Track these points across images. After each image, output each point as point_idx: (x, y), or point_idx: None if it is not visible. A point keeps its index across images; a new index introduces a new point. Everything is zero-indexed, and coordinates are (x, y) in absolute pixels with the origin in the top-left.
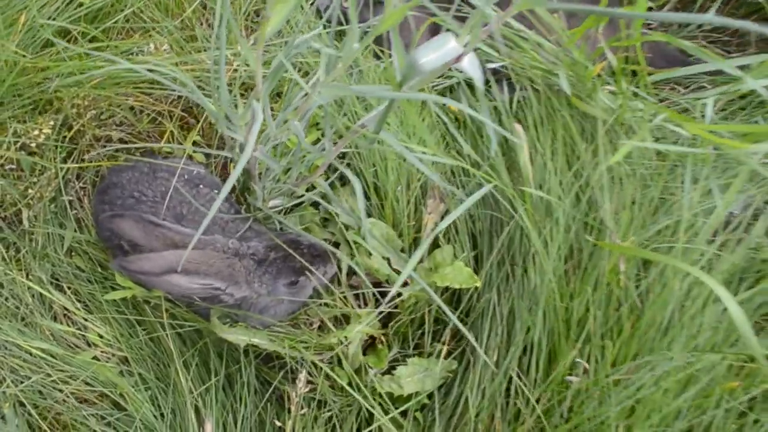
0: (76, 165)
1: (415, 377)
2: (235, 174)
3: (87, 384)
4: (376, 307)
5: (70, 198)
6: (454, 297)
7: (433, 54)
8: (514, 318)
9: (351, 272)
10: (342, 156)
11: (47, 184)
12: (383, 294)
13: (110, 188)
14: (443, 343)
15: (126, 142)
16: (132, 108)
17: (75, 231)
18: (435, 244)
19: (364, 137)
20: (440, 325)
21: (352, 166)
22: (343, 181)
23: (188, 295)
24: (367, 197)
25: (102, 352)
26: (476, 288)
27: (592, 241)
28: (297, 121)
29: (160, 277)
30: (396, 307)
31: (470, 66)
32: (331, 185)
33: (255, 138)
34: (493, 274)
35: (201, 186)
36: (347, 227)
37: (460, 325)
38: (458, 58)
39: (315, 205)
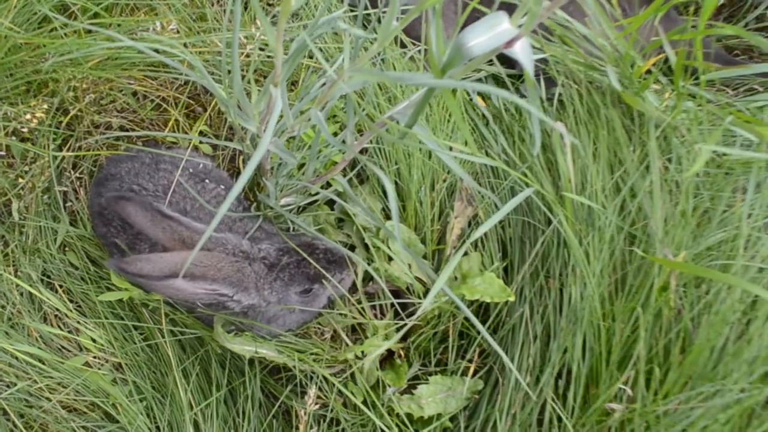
0: (72, 153)
1: (437, 397)
2: (250, 167)
3: (77, 392)
4: (395, 318)
5: (65, 189)
6: (480, 310)
7: (484, 36)
8: (550, 337)
9: (367, 278)
10: (361, 153)
11: (40, 173)
12: (403, 305)
13: (108, 180)
14: (469, 361)
15: (127, 130)
16: (135, 93)
17: (69, 225)
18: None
19: (391, 131)
20: (465, 341)
21: (371, 163)
22: (361, 178)
23: (191, 301)
24: (387, 197)
25: (94, 357)
26: (506, 302)
27: (640, 254)
28: (318, 111)
29: (161, 281)
30: (416, 319)
31: (522, 52)
32: (348, 183)
33: (273, 128)
34: (525, 287)
35: (207, 181)
36: (365, 229)
37: (493, 343)
38: (510, 43)
39: (329, 204)
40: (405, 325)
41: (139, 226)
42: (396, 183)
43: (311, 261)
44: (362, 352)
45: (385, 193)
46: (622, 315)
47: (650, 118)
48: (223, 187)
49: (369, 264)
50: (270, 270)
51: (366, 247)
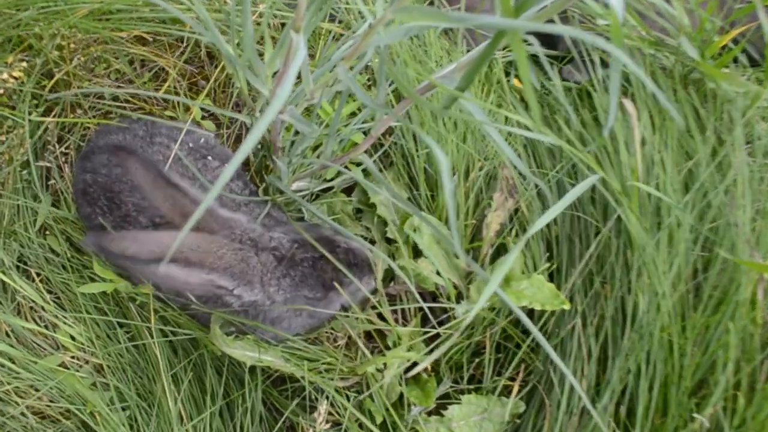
0: (54, 120)
1: (471, 420)
2: (259, 129)
3: (50, 397)
4: (423, 325)
5: (48, 165)
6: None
7: None
8: (608, 353)
9: (387, 278)
10: (385, 133)
11: (19, 144)
12: (431, 310)
13: (95, 153)
14: (510, 379)
15: (121, 101)
16: (131, 61)
17: (51, 206)
18: (499, 251)
19: (433, 100)
20: (502, 354)
21: (398, 146)
22: (384, 163)
23: (182, 293)
24: (415, 186)
25: (72, 357)
26: (554, 311)
27: (724, 256)
28: (348, 69)
29: (148, 265)
30: (455, 328)
31: None
32: (365, 170)
33: (290, 82)
34: (576, 295)
35: (209, 158)
36: (385, 222)
37: (554, 355)
38: None
39: (346, 192)
40: (434, 334)
41: (139, 187)
42: (426, 169)
43: (331, 258)
44: (384, 364)
45: (412, 180)
46: (697, 331)
47: (732, 99)
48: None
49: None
50: (280, 263)
51: (388, 241)
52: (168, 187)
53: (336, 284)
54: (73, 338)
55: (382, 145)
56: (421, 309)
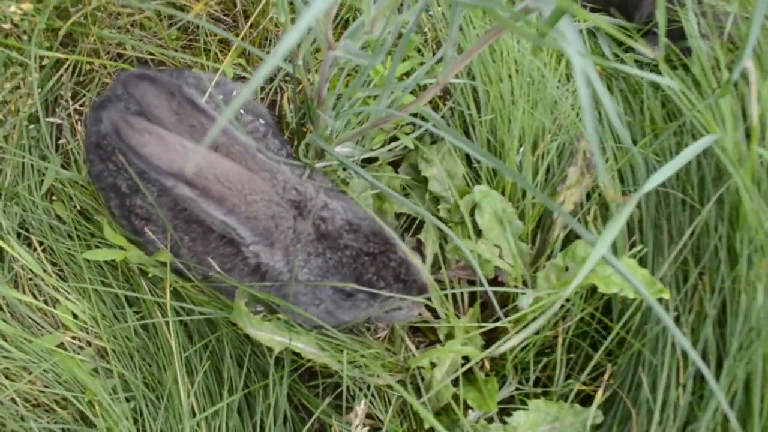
0: (65, 56)
1: (539, 430)
2: (299, 27)
3: (44, 382)
4: (479, 317)
5: (59, 121)
6: (596, 313)
7: None
8: (708, 359)
9: (434, 264)
10: (441, 97)
11: (27, 94)
12: (488, 300)
13: (112, 101)
14: (587, 383)
15: (143, 53)
16: (158, 13)
17: (60, 167)
18: (572, 235)
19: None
20: (575, 354)
21: (455, 112)
22: (434, 137)
23: (200, 220)
24: (474, 158)
25: (73, 338)
26: (638, 304)
27: None
28: None
29: (160, 176)
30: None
31: None
32: (417, 140)
33: None
34: (669, 287)
35: (242, 111)
36: (438, 199)
37: (683, 340)
38: None
39: (394, 165)
40: (491, 329)
41: (159, 119)
42: (489, 140)
43: (380, 261)
44: (434, 360)
45: (468, 154)
46: None
47: None
48: (262, 121)
49: (439, 245)
50: (319, 239)
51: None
52: (196, 114)
53: (371, 290)
54: (75, 316)
55: (436, 110)
56: (476, 299)
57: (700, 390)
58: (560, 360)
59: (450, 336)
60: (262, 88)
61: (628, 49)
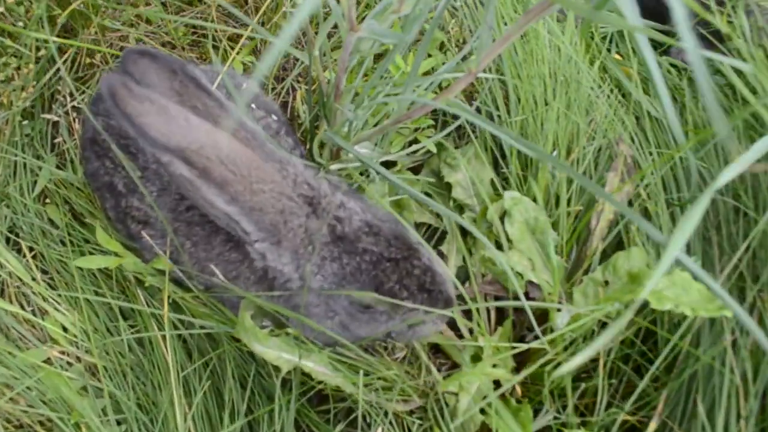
0: (65, 41)
1: None
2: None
3: (27, 400)
4: (510, 336)
5: (56, 119)
6: (639, 334)
7: None
8: None
9: (460, 277)
10: (468, 96)
11: (21, 87)
12: (520, 315)
13: None
14: (634, 413)
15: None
16: (165, 6)
17: (56, 167)
18: (612, 246)
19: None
20: (616, 379)
21: (483, 114)
22: (458, 142)
23: (203, 223)
24: (503, 161)
25: (61, 353)
26: (689, 324)
27: None
28: None
29: (163, 153)
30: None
31: None
32: (440, 144)
33: None
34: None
35: (253, 106)
36: (462, 207)
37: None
38: None
39: (414, 171)
40: (521, 350)
41: (156, 97)
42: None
43: (402, 268)
44: (467, 382)
45: (495, 158)
46: None
47: None
48: (275, 117)
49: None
50: (335, 242)
51: (463, 232)
52: (199, 93)
53: (393, 300)
54: (65, 329)
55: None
56: (507, 316)
57: (762, 421)
58: (602, 386)
59: (476, 358)
60: (273, 88)
61: (663, 53)
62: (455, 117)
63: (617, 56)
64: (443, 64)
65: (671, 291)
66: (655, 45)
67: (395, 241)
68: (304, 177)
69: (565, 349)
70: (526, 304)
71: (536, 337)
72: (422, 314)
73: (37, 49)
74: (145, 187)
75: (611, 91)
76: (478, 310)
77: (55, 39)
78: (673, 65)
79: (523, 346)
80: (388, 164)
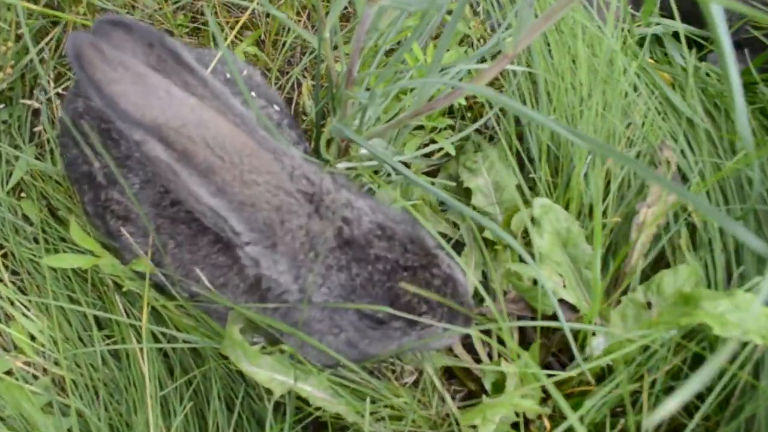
0: (49, 11)
1: None
2: None
3: None
4: (537, 361)
5: (37, 105)
6: (686, 361)
7: None
8: None
9: (477, 296)
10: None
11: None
12: (548, 335)
13: None
14: None
15: None
16: None
17: (35, 158)
18: (657, 261)
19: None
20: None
21: (509, 114)
22: (477, 145)
23: (189, 220)
24: (529, 163)
25: (25, 363)
26: (748, 353)
27: None
28: None
29: (136, 129)
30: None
31: None
32: (458, 147)
33: None
34: None
35: (253, 95)
36: (482, 215)
37: None
38: None
39: (430, 175)
40: (555, 378)
41: (141, 66)
42: (549, 147)
43: (431, 275)
44: (490, 414)
45: (521, 162)
46: None
47: None
48: (277, 108)
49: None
50: (342, 247)
51: (484, 242)
52: (180, 70)
53: (410, 317)
54: (32, 337)
55: (479, 107)
56: (526, 338)
57: None
58: (646, 424)
59: (499, 385)
60: (277, 82)
61: (702, 58)
62: (475, 119)
63: (651, 61)
64: (464, 58)
65: (735, 315)
66: (699, 46)
67: (412, 245)
68: (303, 170)
69: (599, 379)
70: (566, 326)
71: (562, 364)
72: (441, 330)
73: (18, 25)
74: (126, 178)
75: (650, 93)
76: (489, 331)
77: (39, 8)
78: (712, 70)
79: (561, 375)
80: (405, 165)
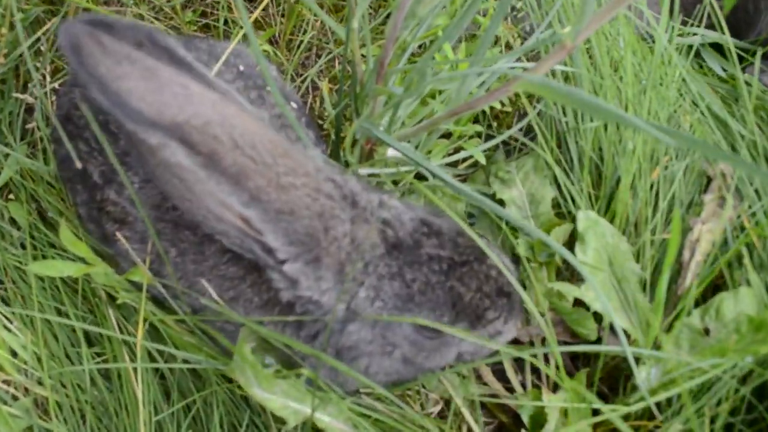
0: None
1: None
2: None
3: None
4: (581, 393)
5: (31, 100)
6: (759, 391)
7: None
8: None
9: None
10: (529, 96)
11: None
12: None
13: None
14: None
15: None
16: None
17: (26, 157)
18: (714, 284)
19: None
20: None
21: (546, 120)
22: (512, 148)
23: (194, 225)
24: (568, 177)
25: (5, 383)
26: None
27: None
28: None
29: (152, 132)
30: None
31: None
32: (488, 156)
33: None
34: None
35: (267, 89)
36: (515, 230)
37: None
38: None
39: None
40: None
41: (149, 59)
42: (592, 159)
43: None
44: None
45: (566, 171)
46: None
47: None
48: (294, 105)
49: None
50: (391, 252)
51: (516, 259)
52: (183, 70)
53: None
54: (14, 353)
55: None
56: (587, 365)
57: None
58: None
59: (537, 419)
60: (292, 83)
61: (743, 69)
62: (509, 126)
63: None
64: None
65: None
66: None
67: (462, 239)
68: (326, 172)
69: (650, 417)
70: (629, 351)
71: (603, 397)
72: (501, 324)
73: (13, 12)
74: (126, 177)
75: (693, 104)
76: (536, 356)
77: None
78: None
79: (622, 409)
80: (424, 177)
